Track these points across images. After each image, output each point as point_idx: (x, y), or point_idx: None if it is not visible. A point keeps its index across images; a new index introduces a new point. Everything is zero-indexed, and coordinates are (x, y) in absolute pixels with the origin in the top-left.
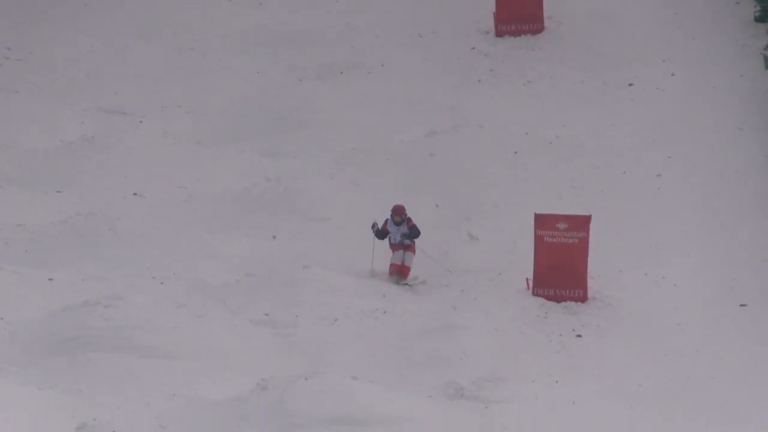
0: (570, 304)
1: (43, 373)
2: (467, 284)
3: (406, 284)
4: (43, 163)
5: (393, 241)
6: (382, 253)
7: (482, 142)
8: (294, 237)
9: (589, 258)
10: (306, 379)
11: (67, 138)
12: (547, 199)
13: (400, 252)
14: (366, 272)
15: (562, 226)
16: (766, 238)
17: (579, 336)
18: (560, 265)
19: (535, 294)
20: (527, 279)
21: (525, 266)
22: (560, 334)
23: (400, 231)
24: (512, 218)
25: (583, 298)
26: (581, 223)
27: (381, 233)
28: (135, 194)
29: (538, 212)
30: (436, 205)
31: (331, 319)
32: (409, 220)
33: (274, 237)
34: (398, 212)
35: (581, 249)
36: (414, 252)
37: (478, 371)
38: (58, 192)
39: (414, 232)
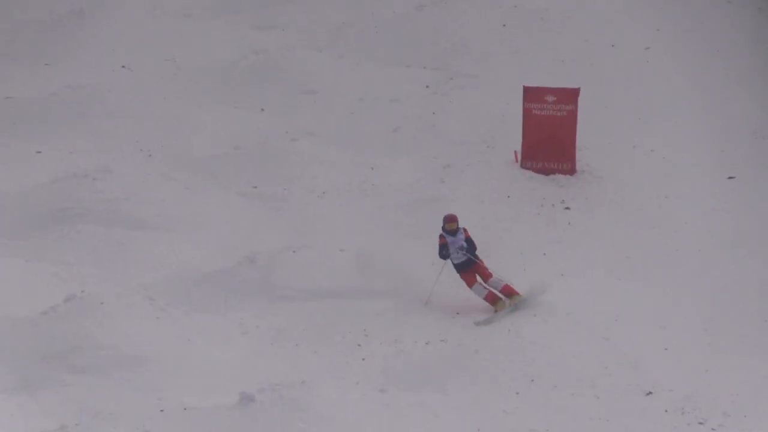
0: (558, 176)
1: (32, 245)
2: (455, 157)
3: (524, 300)
4: (31, 36)
5: (456, 259)
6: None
7: (471, 14)
8: (282, 110)
9: (578, 130)
10: (294, 251)
11: (55, 11)
12: (535, 72)
13: (478, 285)
14: (422, 301)
15: (550, 98)
16: (755, 111)
17: (567, 208)
18: (549, 137)
19: (523, 167)
20: (515, 151)
21: (513, 139)
22: (548, 207)
23: (458, 240)
24: (501, 90)
25: (571, 171)
26: (570, 95)
27: (444, 247)
28: (123, 67)
29: (526, 84)
30: (427, 86)
31: (319, 191)
32: (465, 230)
33: (262, 110)
34: (451, 220)
35: (570, 121)
36: (490, 273)
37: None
38: (46, 65)
39: (472, 244)
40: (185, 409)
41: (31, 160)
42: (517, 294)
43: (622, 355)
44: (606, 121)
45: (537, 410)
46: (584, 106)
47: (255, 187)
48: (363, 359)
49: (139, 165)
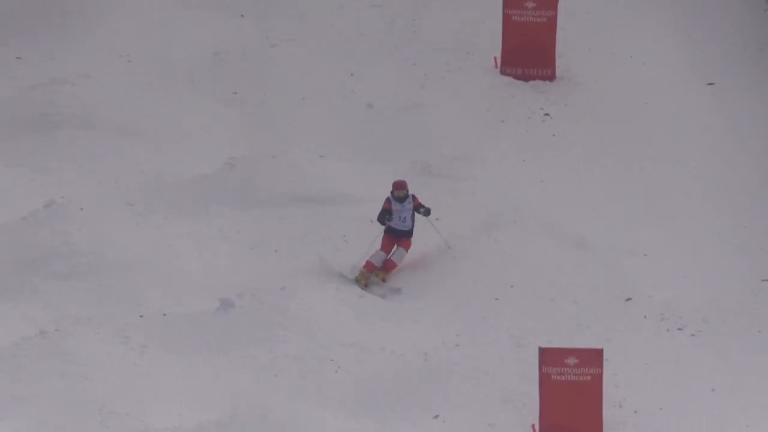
0: (538, 82)
1: (12, 151)
2: (435, 63)
3: (382, 282)
4: None
5: (395, 224)
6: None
7: None
8: (263, 15)
9: (558, 37)
10: (273, 157)
11: None
12: None
13: (383, 254)
14: (350, 267)
15: (530, 4)
16: (736, 19)
17: (547, 114)
18: (529, 43)
19: (503, 73)
20: (495, 58)
21: (493, 45)
22: (528, 113)
23: (405, 208)
24: None
25: (551, 77)
26: (549, 1)
27: (386, 212)
28: None
29: None
30: None
31: (298, 97)
32: (415, 197)
33: (242, 16)
34: (400, 186)
35: (550, 27)
36: (407, 249)
37: (446, 150)
38: None
39: (424, 208)
40: (165, 314)
41: (11, 67)
42: (390, 270)
43: (601, 261)
44: (586, 28)
45: (516, 317)
46: (564, 12)
47: (235, 93)
48: (342, 265)
49: (118, 71)
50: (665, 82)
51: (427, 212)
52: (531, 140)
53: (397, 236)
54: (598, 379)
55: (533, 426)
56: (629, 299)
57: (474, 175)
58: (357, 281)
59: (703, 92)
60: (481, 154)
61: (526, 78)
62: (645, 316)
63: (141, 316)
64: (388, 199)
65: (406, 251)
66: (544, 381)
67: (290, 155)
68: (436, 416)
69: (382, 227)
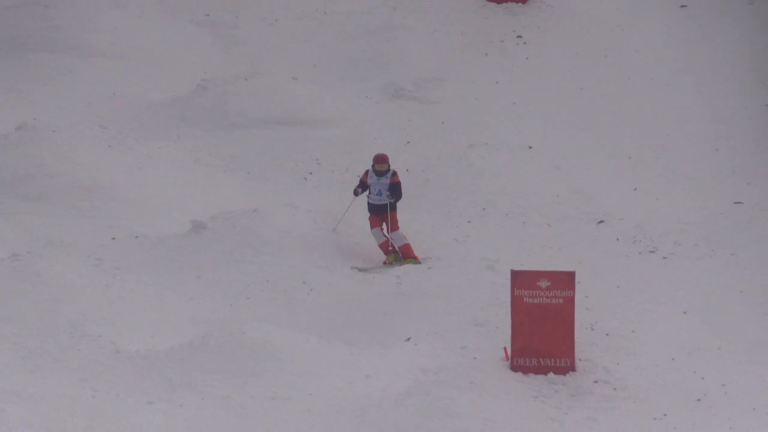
0: (511, 5)
1: None
2: None
3: (417, 263)
4: None
5: (372, 200)
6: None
7: None
8: None
9: None
10: (246, 79)
11: None
12: None
13: (378, 229)
14: (328, 229)
15: None
16: None
17: (519, 37)
18: None
19: None
20: None
21: None
22: (501, 36)
23: (381, 183)
24: None
25: None
26: None
27: (360, 186)
28: None
29: None
30: None
31: (271, 19)
32: (395, 173)
33: None
34: (381, 160)
35: None
36: (397, 226)
37: (419, 72)
38: None
39: (397, 191)
40: (137, 236)
41: None
42: (414, 257)
43: (574, 184)
44: None
45: (488, 239)
46: None
47: (207, 15)
48: (315, 187)
49: None
50: (638, 4)
51: (393, 204)
52: (504, 63)
53: (378, 212)
54: (570, 301)
55: (505, 349)
56: (601, 222)
57: (446, 98)
58: (385, 263)
59: (677, 14)
60: (454, 76)
61: (498, 0)
62: (617, 239)
63: (113, 239)
64: (366, 172)
65: (399, 229)
66: (515, 304)
67: (263, 77)
68: (408, 339)
69: (354, 197)
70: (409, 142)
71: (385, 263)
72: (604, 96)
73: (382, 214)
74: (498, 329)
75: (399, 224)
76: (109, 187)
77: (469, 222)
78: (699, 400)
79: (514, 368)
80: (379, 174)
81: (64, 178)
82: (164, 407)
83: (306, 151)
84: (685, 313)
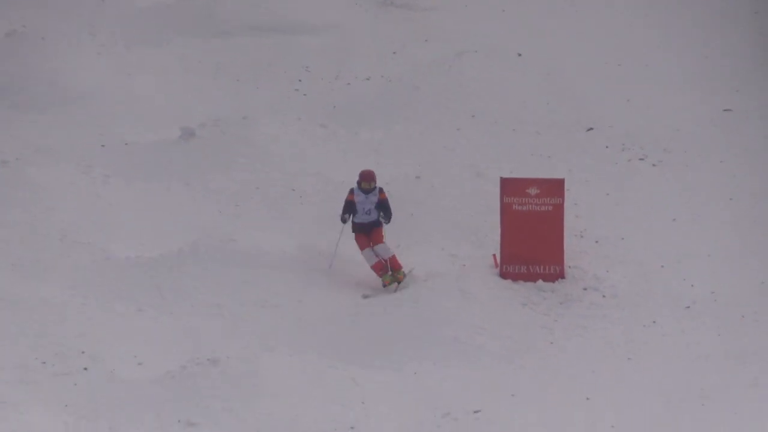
0: None
1: None
2: None
3: (405, 275)
4: None
5: (359, 218)
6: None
7: None
8: None
9: None
10: None
11: None
12: None
13: (369, 250)
14: (325, 264)
15: None
16: None
17: None
18: None
19: None
20: None
21: None
22: None
23: (369, 200)
24: None
25: None
26: None
27: (349, 206)
28: None
29: None
30: None
31: None
32: (382, 190)
33: None
34: (368, 178)
35: None
36: (383, 239)
37: None
38: None
39: (387, 209)
40: (126, 143)
41: None
42: (400, 268)
43: (564, 92)
44: None
45: (477, 147)
46: None
47: None
48: (304, 95)
49: None
50: None
51: (387, 219)
52: None
53: (366, 231)
54: (559, 209)
55: (494, 256)
56: (591, 129)
57: (436, 6)
58: (385, 286)
59: None
60: None
61: None
62: (606, 147)
63: (103, 146)
64: (352, 190)
65: (385, 243)
66: (505, 211)
67: None
68: (398, 245)
69: (343, 226)
70: (395, 53)
71: (384, 286)
72: (596, 2)
73: (368, 233)
74: (487, 237)
75: (383, 236)
76: (99, 95)
77: (458, 130)
78: (688, 307)
79: (504, 275)
80: (366, 191)
81: (54, 86)
82: (154, 314)
83: (295, 57)
84: (674, 220)
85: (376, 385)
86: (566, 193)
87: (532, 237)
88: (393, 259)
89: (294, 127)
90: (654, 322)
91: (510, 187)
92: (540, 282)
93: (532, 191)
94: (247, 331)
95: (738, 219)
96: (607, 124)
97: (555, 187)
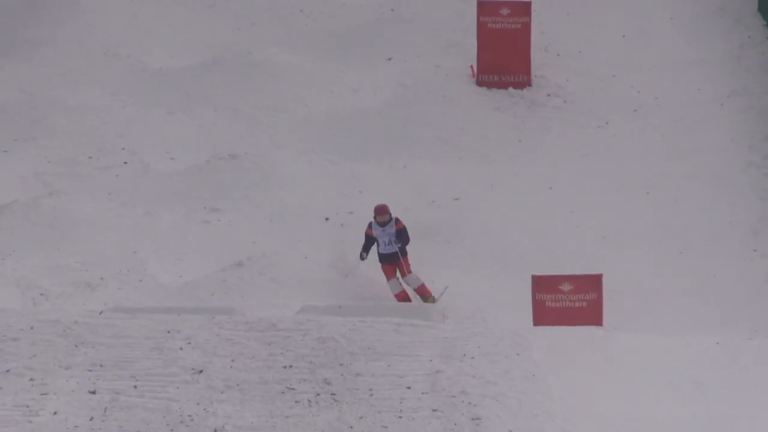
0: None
1: None
2: None
3: (435, 299)
4: None
5: (383, 250)
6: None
7: None
8: None
9: None
10: None
11: None
12: None
13: (394, 280)
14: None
15: None
16: None
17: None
18: None
19: None
20: None
21: None
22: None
23: (387, 233)
24: None
25: None
26: None
27: (369, 241)
28: None
29: None
30: None
31: None
32: (398, 220)
33: None
34: (382, 212)
35: None
36: (410, 269)
37: None
38: None
39: (404, 236)
40: None
41: None
42: (430, 295)
43: None
44: None
45: None
46: None
47: None
48: None
49: None
50: None
51: (403, 248)
52: None
53: (391, 261)
54: (526, 27)
55: (471, 66)
56: None
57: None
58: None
59: None
60: None
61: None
62: None
63: None
64: (370, 225)
65: (412, 272)
66: (480, 29)
67: None
68: (390, 58)
69: (359, 261)
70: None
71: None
72: None
73: (394, 262)
74: (467, 50)
75: (410, 266)
76: None
77: None
78: (635, 110)
79: (480, 83)
80: (383, 224)
81: None
82: (183, 117)
83: None
84: (623, 36)
85: (371, 178)
86: (533, 13)
87: (504, 50)
88: (422, 287)
89: None
90: (606, 123)
91: (486, 8)
92: (510, 89)
93: (504, 11)
94: (261, 131)
95: (678, 34)
96: None
97: (522, 8)
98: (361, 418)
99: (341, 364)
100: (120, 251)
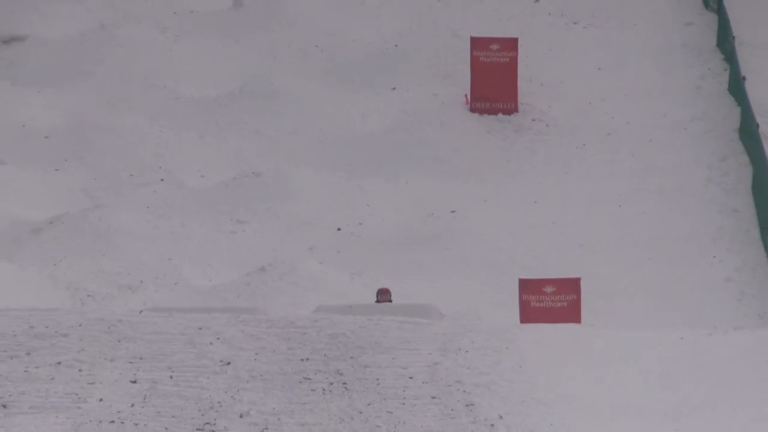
0: None
1: None
2: None
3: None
4: None
5: None
6: None
7: None
8: None
9: None
10: None
11: None
12: None
13: None
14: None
15: None
16: None
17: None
18: None
19: None
20: None
21: None
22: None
23: None
24: None
25: None
26: None
27: None
28: None
29: None
30: None
31: None
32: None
33: None
34: (385, 293)
35: None
36: None
37: None
38: None
39: None
40: (192, 11)
41: None
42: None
43: None
44: None
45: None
46: None
47: None
48: None
49: None
50: None
51: None
52: None
53: None
54: (514, 60)
55: (466, 95)
56: (537, 0)
57: None
58: None
59: None
60: None
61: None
62: (549, 14)
63: (174, 13)
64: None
65: None
66: (474, 63)
67: None
68: (394, 88)
69: None
70: None
71: None
72: None
73: None
74: (461, 80)
75: None
76: None
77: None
78: (609, 134)
79: (473, 110)
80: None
81: None
82: (212, 140)
83: None
84: (599, 68)
85: (377, 192)
86: (519, 48)
87: (494, 81)
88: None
89: None
90: (584, 144)
91: (477, 43)
92: (500, 115)
93: (494, 47)
94: (281, 151)
95: (647, 66)
96: None
97: (510, 45)
98: (369, 404)
99: (351, 357)
100: (157, 258)
